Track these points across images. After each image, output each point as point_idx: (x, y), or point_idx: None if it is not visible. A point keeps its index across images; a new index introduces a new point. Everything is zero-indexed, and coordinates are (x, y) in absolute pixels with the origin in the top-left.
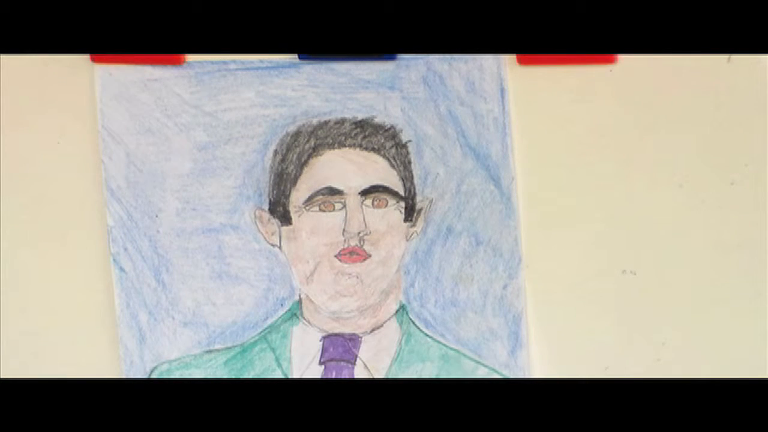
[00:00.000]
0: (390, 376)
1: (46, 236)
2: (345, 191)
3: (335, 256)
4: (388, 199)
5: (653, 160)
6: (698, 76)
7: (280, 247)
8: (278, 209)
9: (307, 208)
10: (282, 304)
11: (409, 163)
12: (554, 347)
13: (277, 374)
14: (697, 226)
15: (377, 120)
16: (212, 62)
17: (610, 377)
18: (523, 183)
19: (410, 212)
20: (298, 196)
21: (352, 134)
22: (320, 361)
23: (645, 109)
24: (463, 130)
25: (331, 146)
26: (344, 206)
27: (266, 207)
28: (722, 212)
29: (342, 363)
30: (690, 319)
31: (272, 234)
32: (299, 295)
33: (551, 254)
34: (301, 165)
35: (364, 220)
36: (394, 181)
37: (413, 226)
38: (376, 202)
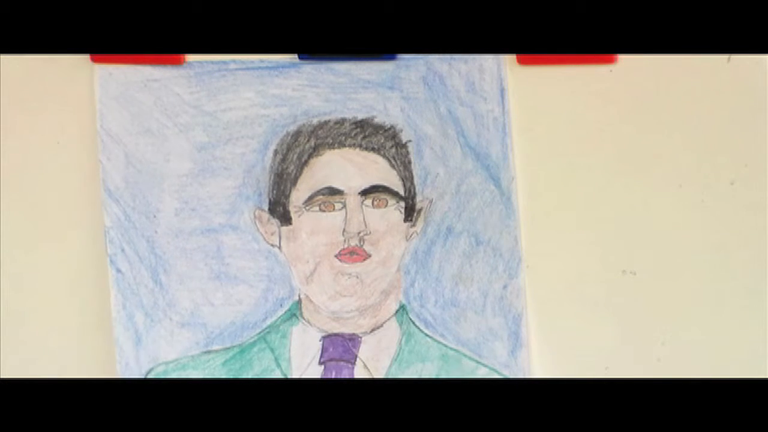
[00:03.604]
0: (390, 376)
1: (43, 236)
2: (345, 191)
3: (335, 256)
4: (388, 199)
5: (653, 160)
6: (698, 76)
7: (279, 248)
8: (278, 209)
9: (307, 208)
10: (281, 305)
11: (409, 163)
12: (554, 347)
13: (276, 374)
14: (697, 226)
15: (377, 120)
16: (212, 62)
17: (610, 377)
18: (523, 183)
19: (410, 212)
20: (298, 196)
21: (352, 134)
22: (320, 361)
23: (645, 109)
24: (463, 130)
25: (331, 146)
26: (344, 206)
27: (266, 207)
28: (722, 212)
29: (342, 363)
30: (690, 319)
31: (272, 234)
32: (299, 296)
33: (551, 254)
34: (301, 165)
35: (364, 220)
36: (394, 181)
37: (413, 226)
38: (376, 202)
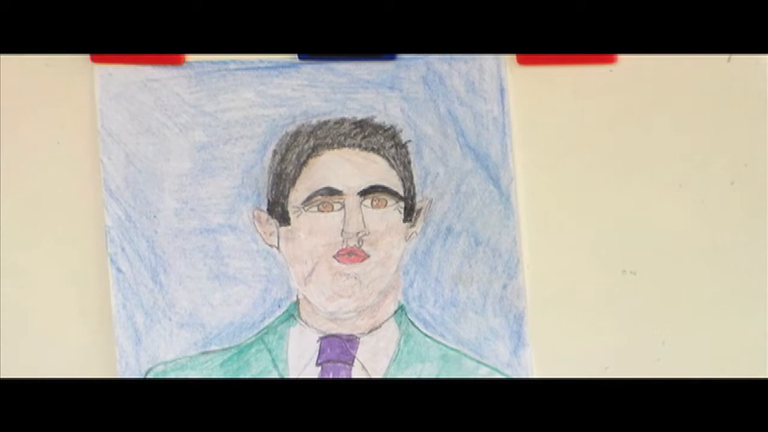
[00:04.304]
0: (389, 377)
1: (44, 236)
2: (344, 191)
3: (333, 256)
4: (387, 199)
5: (653, 160)
6: (698, 76)
7: (278, 248)
8: (277, 209)
9: (306, 208)
10: (279, 305)
11: (409, 163)
12: (554, 347)
13: (274, 376)
14: (697, 226)
15: (377, 120)
16: (212, 62)
17: (610, 377)
18: (523, 183)
19: (409, 212)
20: (296, 196)
21: (352, 134)
22: (317, 362)
23: (645, 109)
24: (462, 130)
25: (331, 146)
26: (343, 206)
27: (265, 207)
28: (722, 212)
29: (339, 364)
30: (690, 319)
31: (270, 234)
32: (297, 296)
33: (551, 254)
34: (300, 165)
35: (362, 220)
36: (393, 181)
37: (412, 226)
38: (375, 203)
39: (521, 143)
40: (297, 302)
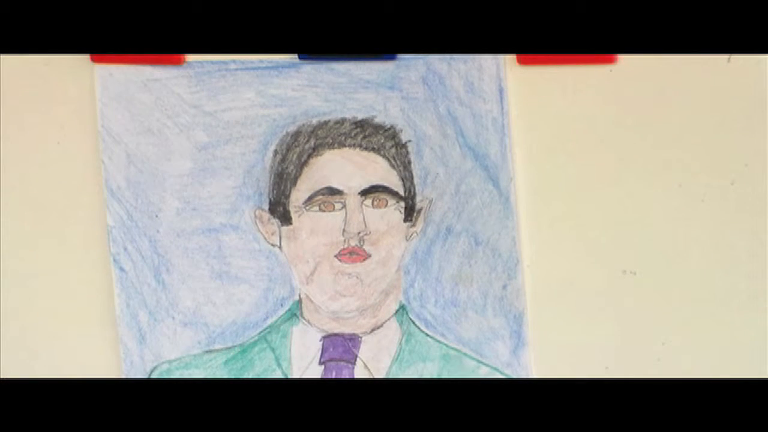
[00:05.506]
0: (390, 377)
1: (46, 236)
2: (345, 191)
3: (335, 256)
4: (387, 199)
5: (653, 160)
6: (698, 76)
7: (280, 247)
8: (278, 209)
9: (307, 208)
10: (282, 304)
11: (409, 163)
12: (554, 347)
13: (277, 374)
14: (697, 226)
15: (377, 120)
16: (212, 62)
17: (610, 377)
18: (522, 183)
19: (410, 212)
20: (298, 196)
21: (352, 134)
22: (320, 361)
23: (645, 109)
24: (462, 130)
25: (331, 146)
26: (344, 206)
27: (266, 207)
28: (722, 212)
29: (342, 363)
30: (690, 319)
31: (272, 234)
32: (299, 295)
33: (551, 254)
34: (301, 165)
35: (363, 220)
36: (394, 181)
37: (413, 226)
38: (375, 202)
39: (520, 143)
40: (299, 301)
